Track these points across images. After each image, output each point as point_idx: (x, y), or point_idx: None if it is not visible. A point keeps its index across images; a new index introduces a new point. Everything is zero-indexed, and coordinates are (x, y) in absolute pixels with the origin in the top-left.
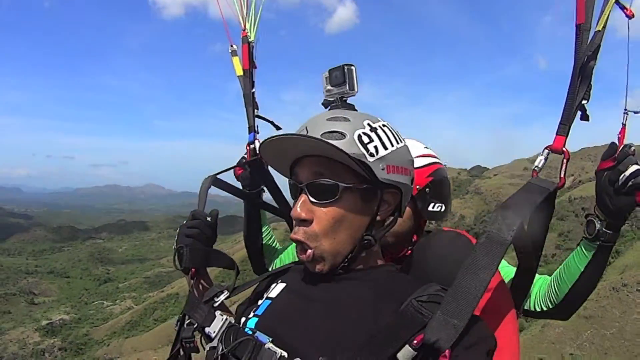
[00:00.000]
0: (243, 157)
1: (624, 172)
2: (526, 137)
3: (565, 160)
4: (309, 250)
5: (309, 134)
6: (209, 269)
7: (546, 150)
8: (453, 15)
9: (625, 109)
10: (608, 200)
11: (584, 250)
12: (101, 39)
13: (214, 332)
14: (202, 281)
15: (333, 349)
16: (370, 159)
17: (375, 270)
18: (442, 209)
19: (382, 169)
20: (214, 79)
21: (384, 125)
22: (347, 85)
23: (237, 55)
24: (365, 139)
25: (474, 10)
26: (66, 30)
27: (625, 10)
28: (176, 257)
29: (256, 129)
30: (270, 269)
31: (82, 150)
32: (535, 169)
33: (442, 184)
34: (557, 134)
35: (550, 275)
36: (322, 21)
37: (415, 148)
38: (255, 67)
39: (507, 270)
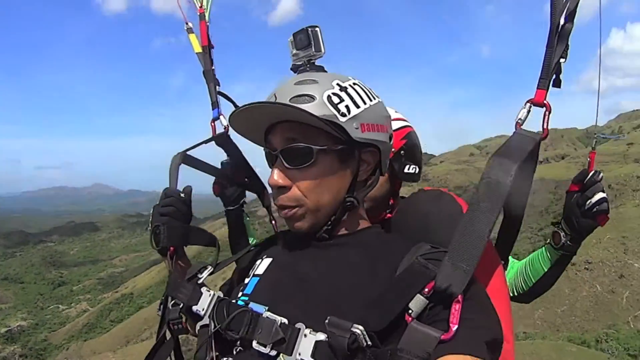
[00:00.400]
0: (223, 167)
1: (590, 198)
2: (471, 123)
3: (547, 113)
4: (291, 210)
5: (277, 100)
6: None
7: (528, 104)
8: (395, 4)
9: (595, 134)
10: (574, 220)
11: (548, 254)
12: (40, 37)
13: (203, 309)
14: (180, 261)
15: (336, 312)
16: (342, 119)
17: (362, 233)
18: (417, 171)
19: (356, 128)
20: (155, 74)
21: (354, 84)
22: (312, 47)
23: (193, 32)
24: (335, 99)
25: (417, 2)
26: (2, 27)
27: None
28: (152, 237)
29: (219, 105)
30: None
31: (27, 152)
32: (519, 121)
33: (415, 147)
34: (538, 88)
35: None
36: (266, 13)
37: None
38: (212, 47)
39: None
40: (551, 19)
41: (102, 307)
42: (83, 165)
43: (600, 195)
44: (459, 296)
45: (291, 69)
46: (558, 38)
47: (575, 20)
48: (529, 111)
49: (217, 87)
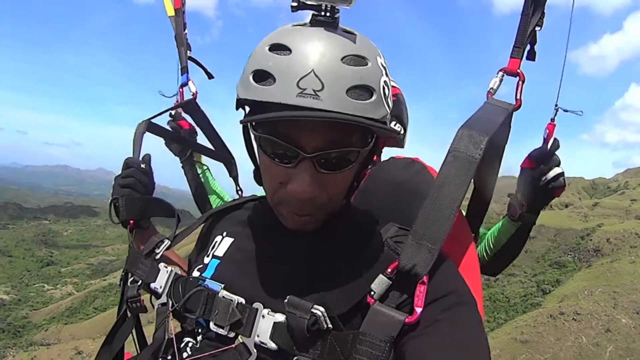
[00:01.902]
0: (174, 121)
1: (546, 174)
2: None
3: (520, 82)
4: (312, 217)
5: (326, 95)
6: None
7: (501, 72)
8: (421, 33)
9: (556, 105)
10: (530, 194)
11: (507, 225)
12: (67, 14)
13: (161, 286)
14: (144, 235)
15: (296, 293)
16: (389, 116)
17: (333, 217)
18: (402, 132)
19: (389, 122)
20: (176, 70)
21: (382, 56)
22: None
23: None
24: (387, 91)
25: (442, 28)
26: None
27: None
28: (112, 210)
29: (188, 70)
30: None
31: (36, 126)
32: (491, 90)
33: (402, 106)
34: (511, 57)
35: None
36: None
37: None
38: (183, 11)
39: None
40: None
41: (88, 293)
42: (90, 148)
43: (556, 170)
44: (424, 277)
45: (292, 7)
46: (534, 5)
47: None
48: (501, 80)
49: (188, 51)
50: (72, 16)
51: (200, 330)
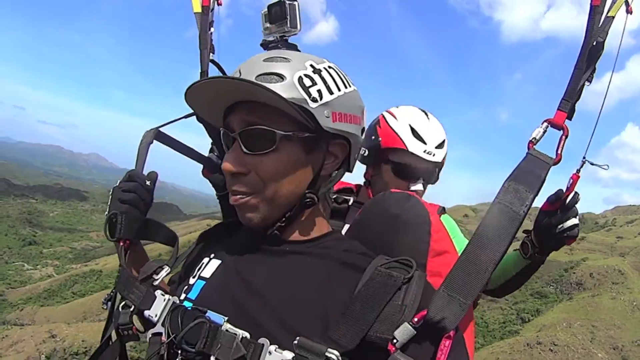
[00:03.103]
0: (212, 151)
1: (563, 222)
2: (472, 184)
3: (564, 137)
4: (244, 197)
5: (242, 77)
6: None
7: (545, 123)
8: (427, 52)
9: (584, 158)
10: (544, 237)
11: (517, 261)
12: None
13: (156, 315)
14: (135, 255)
15: (300, 327)
16: (313, 105)
17: (322, 240)
18: (366, 154)
19: (327, 117)
20: (181, 65)
21: (329, 67)
22: (288, 21)
23: None
24: (307, 82)
25: (449, 53)
26: None
27: (628, 6)
28: (108, 226)
29: (208, 74)
30: None
31: (34, 103)
32: (533, 140)
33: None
34: (558, 109)
35: None
36: (302, 32)
37: (443, 131)
38: (220, 4)
39: (459, 239)
40: (586, 38)
41: (68, 277)
42: (86, 132)
43: (573, 221)
44: (451, 331)
45: (261, 44)
46: (588, 60)
47: (605, 45)
48: (545, 131)
49: (211, 54)
50: None
51: None
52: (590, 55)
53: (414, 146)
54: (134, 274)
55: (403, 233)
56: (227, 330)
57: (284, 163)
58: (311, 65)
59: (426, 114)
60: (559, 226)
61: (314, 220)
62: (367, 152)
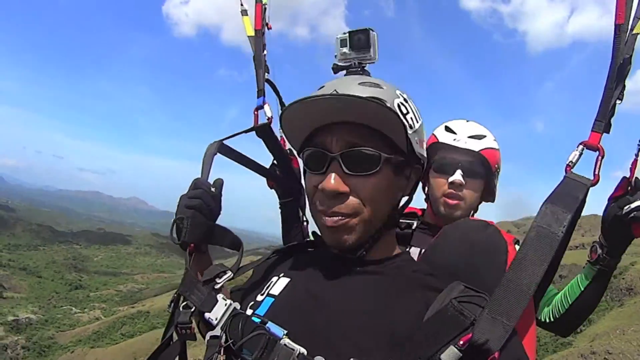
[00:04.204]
0: (273, 165)
1: (630, 203)
2: (512, 199)
3: (600, 158)
4: (344, 219)
5: (340, 91)
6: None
7: (581, 146)
8: (456, 72)
9: None
10: (609, 227)
11: (586, 273)
12: (107, 44)
13: (216, 318)
14: (201, 260)
15: (358, 348)
16: (410, 131)
17: (391, 262)
18: (496, 193)
19: (417, 143)
20: (212, 104)
21: (409, 97)
22: (371, 50)
23: (247, 14)
24: (404, 109)
25: (478, 70)
26: (73, 28)
27: None
28: (174, 229)
29: (264, 93)
30: None
31: (72, 152)
32: (570, 164)
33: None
34: (592, 130)
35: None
36: (329, 61)
37: (486, 131)
38: (269, 28)
39: None
40: (613, 58)
41: (116, 319)
42: (124, 177)
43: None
44: (496, 353)
45: (333, 68)
46: (617, 79)
47: (632, 60)
48: (581, 154)
49: (267, 74)
50: (111, 46)
51: None
52: (619, 72)
53: (443, 137)
54: (198, 277)
55: (481, 260)
56: (285, 345)
57: (383, 185)
58: (401, 94)
59: (468, 120)
60: (626, 207)
61: (390, 241)
62: None
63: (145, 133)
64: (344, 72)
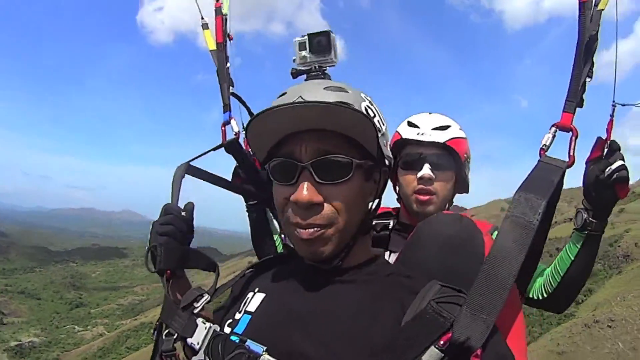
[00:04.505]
0: (237, 169)
1: (610, 165)
2: (502, 177)
3: (574, 138)
4: (319, 230)
5: (306, 97)
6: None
7: (553, 128)
8: (435, 56)
9: (614, 102)
10: (592, 191)
11: (574, 240)
12: (82, 57)
13: (198, 343)
14: (179, 284)
15: (348, 353)
16: (379, 134)
17: (367, 268)
18: (469, 183)
19: (384, 145)
20: (194, 108)
21: (373, 100)
22: (331, 53)
23: (208, 28)
24: (371, 113)
25: (457, 53)
26: (48, 43)
27: None
28: (149, 258)
29: (230, 108)
30: None
31: (59, 170)
32: (544, 147)
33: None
34: (564, 111)
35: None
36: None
37: (450, 121)
38: (231, 39)
39: None
40: (579, 36)
41: (120, 333)
42: (114, 190)
43: (619, 162)
44: (478, 350)
45: (292, 73)
46: (585, 56)
47: (599, 36)
48: (554, 136)
49: (231, 87)
50: (86, 60)
51: None
52: (586, 50)
53: (407, 132)
54: (178, 300)
55: (457, 255)
56: None
57: (355, 192)
58: (366, 97)
59: (430, 113)
60: (607, 169)
61: (362, 247)
62: None
63: (130, 143)
64: (304, 76)
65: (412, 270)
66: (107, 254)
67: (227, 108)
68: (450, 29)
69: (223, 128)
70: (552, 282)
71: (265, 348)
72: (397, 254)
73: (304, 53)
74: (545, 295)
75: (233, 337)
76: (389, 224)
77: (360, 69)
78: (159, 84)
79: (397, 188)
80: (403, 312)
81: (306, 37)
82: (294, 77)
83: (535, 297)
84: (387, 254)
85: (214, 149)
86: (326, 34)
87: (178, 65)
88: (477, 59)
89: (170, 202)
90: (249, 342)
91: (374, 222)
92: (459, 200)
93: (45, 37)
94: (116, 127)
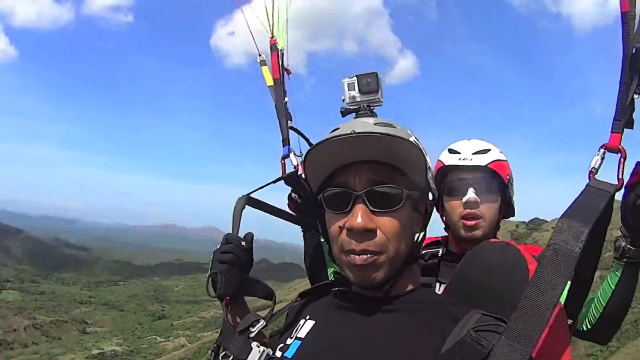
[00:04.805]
0: (292, 194)
1: None
2: (579, 189)
3: (622, 160)
4: (372, 257)
5: (359, 130)
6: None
7: (602, 149)
8: (506, 68)
9: None
10: (630, 218)
11: (614, 269)
12: (155, 81)
13: None
14: (237, 309)
15: None
16: (425, 167)
17: (413, 295)
18: (514, 206)
19: (431, 178)
20: (271, 129)
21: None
22: (379, 92)
23: (266, 64)
24: (419, 146)
25: (526, 60)
26: (124, 71)
27: None
28: (209, 284)
29: (289, 142)
30: None
31: (136, 187)
32: (592, 170)
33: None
34: (612, 132)
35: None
36: (384, 73)
37: (490, 145)
38: (290, 73)
39: None
40: (624, 49)
41: (201, 345)
42: (192, 207)
43: None
44: None
45: (342, 112)
46: (631, 72)
47: None
48: (602, 158)
49: (289, 122)
50: (160, 83)
51: None
52: (632, 64)
53: (449, 159)
54: (237, 324)
55: (502, 283)
56: None
57: (405, 221)
58: (412, 133)
59: (470, 139)
60: None
61: (409, 276)
62: None
63: (206, 163)
64: (353, 115)
65: (458, 300)
66: (190, 268)
67: (286, 142)
68: (519, 37)
69: (282, 161)
70: (595, 313)
71: None
72: (446, 284)
73: (352, 93)
74: (589, 327)
75: None
76: (438, 252)
77: (434, 81)
78: (235, 104)
79: (444, 217)
80: (443, 341)
81: (354, 78)
82: (343, 116)
83: (581, 329)
84: (437, 285)
85: (274, 182)
86: (374, 75)
87: (253, 86)
88: (548, 66)
89: (231, 232)
90: None
91: (423, 252)
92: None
93: (122, 65)
94: (188, 146)
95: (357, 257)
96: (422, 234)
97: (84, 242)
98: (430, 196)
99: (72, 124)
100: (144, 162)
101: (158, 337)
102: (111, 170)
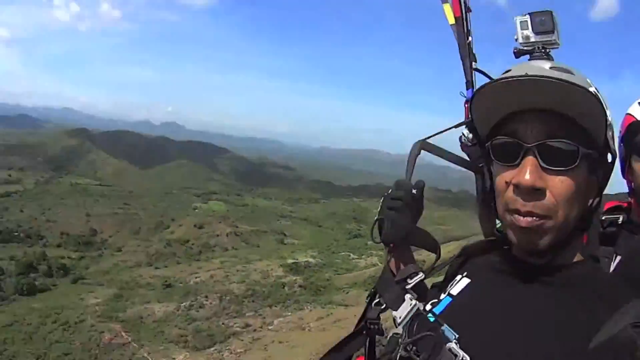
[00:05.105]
0: (462, 135)
1: None
2: None
3: None
4: (538, 220)
5: (548, 76)
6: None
7: None
8: None
9: None
10: None
11: None
12: (363, 15)
13: (400, 317)
14: (401, 258)
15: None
16: (607, 122)
17: (576, 269)
18: None
19: (611, 138)
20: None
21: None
22: (555, 33)
23: (447, 1)
24: (600, 98)
25: None
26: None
27: None
28: (374, 229)
29: (474, 84)
30: None
31: (345, 114)
32: None
33: None
34: None
35: None
36: (586, 9)
37: None
38: (470, 11)
39: None
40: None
41: None
42: (397, 134)
43: None
44: None
45: (515, 52)
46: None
47: None
48: None
49: (474, 63)
50: (366, 15)
51: None
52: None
53: None
54: (396, 274)
55: None
56: (449, 349)
57: (578, 183)
58: (592, 83)
59: None
60: None
61: (576, 247)
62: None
63: (412, 91)
64: (527, 57)
65: (629, 281)
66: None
67: (469, 85)
68: None
69: (466, 105)
70: None
71: (456, 337)
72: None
73: (526, 32)
74: None
75: (430, 317)
76: (618, 219)
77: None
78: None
79: (631, 180)
80: (597, 329)
81: (527, 15)
82: (516, 57)
83: None
84: (614, 257)
85: (456, 126)
86: (548, 13)
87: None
88: None
89: (404, 177)
90: (444, 327)
91: (603, 217)
92: None
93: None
94: (399, 76)
95: (521, 218)
96: (596, 199)
97: (288, 162)
98: (610, 157)
99: (280, 55)
100: (353, 90)
101: (352, 254)
102: (321, 99)
